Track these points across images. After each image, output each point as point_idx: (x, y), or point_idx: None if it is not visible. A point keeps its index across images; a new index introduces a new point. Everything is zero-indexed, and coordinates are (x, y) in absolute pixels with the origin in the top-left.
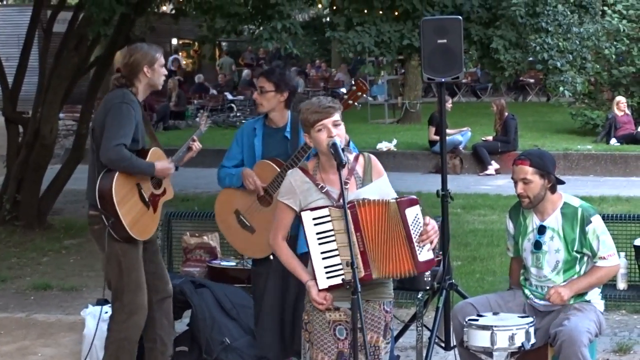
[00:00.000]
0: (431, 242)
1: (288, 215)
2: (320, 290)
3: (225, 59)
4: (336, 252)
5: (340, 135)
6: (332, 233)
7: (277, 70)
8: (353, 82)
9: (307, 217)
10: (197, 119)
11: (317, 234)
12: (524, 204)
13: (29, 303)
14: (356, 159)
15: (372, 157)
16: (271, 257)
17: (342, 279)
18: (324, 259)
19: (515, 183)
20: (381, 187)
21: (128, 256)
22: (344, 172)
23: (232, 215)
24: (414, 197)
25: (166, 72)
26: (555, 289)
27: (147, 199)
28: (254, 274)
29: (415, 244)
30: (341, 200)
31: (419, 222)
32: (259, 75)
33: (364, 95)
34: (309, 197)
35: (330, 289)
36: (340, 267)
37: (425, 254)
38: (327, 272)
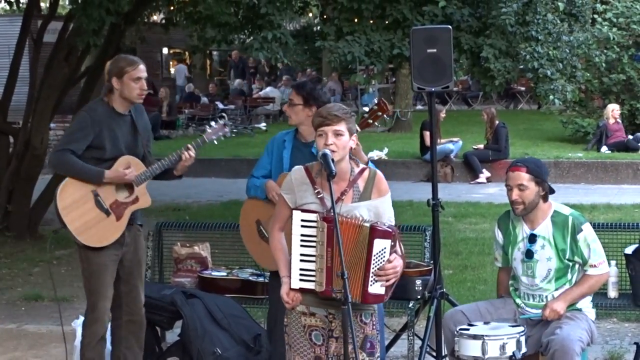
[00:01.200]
0: (387, 281)
1: (285, 210)
2: (291, 289)
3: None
4: (313, 259)
5: (337, 145)
6: (314, 239)
7: (308, 85)
8: (375, 102)
9: (296, 217)
10: (212, 124)
11: (302, 235)
12: (517, 211)
13: (20, 314)
14: (361, 172)
15: (379, 174)
16: None
17: (332, 290)
18: (301, 260)
19: (510, 189)
20: (377, 207)
21: (90, 262)
22: (343, 183)
23: (253, 224)
24: (390, 230)
25: (144, 87)
26: (550, 307)
27: (105, 207)
28: (271, 286)
29: (371, 275)
30: (327, 210)
31: (384, 256)
32: (291, 87)
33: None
34: (304, 198)
35: (302, 291)
36: (314, 273)
37: (376, 287)
38: (301, 274)
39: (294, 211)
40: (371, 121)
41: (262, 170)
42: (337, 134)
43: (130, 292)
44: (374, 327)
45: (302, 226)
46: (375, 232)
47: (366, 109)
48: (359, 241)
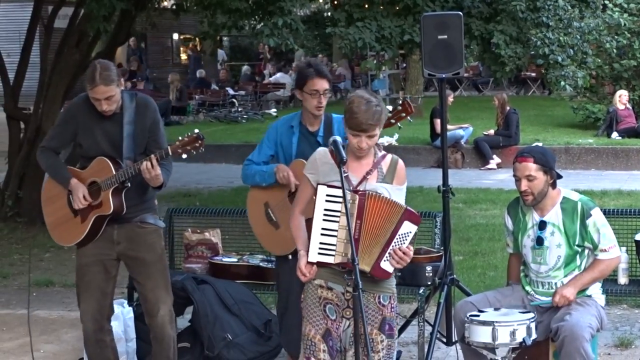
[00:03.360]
0: (397, 262)
1: (308, 190)
2: (308, 263)
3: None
4: (335, 233)
5: (369, 144)
6: (339, 214)
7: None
8: (400, 102)
9: (322, 191)
10: (187, 134)
11: (326, 210)
12: (527, 201)
13: (31, 299)
14: (383, 157)
15: (400, 162)
16: (289, 257)
17: (342, 268)
18: (322, 235)
19: (518, 180)
20: (394, 193)
21: (78, 261)
22: (368, 164)
23: (261, 206)
24: (419, 216)
25: (102, 108)
26: (560, 293)
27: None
28: (276, 271)
29: (388, 251)
30: (353, 187)
31: (406, 239)
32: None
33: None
34: (328, 176)
35: (319, 264)
36: (334, 247)
37: (387, 264)
38: (320, 248)
39: (319, 186)
40: (393, 121)
41: (263, 156)
42: (371, 137)
43: (141, 291)
44: (393, 309)
45: (327, 201)
46: (408, 214)
47: (390, 107)
48: (390, 217)
